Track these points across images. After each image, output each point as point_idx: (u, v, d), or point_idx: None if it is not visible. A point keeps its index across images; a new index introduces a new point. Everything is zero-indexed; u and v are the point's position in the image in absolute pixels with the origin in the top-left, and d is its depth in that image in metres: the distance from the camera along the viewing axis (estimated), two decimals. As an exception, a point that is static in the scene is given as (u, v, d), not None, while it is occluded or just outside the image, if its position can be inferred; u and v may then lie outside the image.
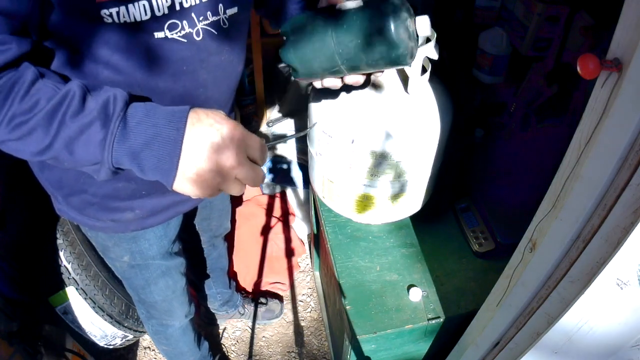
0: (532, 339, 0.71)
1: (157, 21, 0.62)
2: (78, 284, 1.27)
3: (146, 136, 0.56)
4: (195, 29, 0.67)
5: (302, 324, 1.82)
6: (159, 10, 0.61)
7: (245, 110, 2.17)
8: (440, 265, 1.11)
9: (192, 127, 0.56)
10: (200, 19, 0.67)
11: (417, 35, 0.65)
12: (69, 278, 1.26)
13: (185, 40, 0.66)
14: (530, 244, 0.68)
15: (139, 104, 0.58)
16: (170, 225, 0.99)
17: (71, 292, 1.27)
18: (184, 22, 0.65)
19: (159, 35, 0.63)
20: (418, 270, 1.10)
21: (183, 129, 0.56)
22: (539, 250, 0.65)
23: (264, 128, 2.18)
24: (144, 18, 0.60)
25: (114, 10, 0.57)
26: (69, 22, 0.58)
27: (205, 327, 1.77)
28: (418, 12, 0.64)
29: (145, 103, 0.59)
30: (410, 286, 1.06)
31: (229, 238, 1.73)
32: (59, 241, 1.26)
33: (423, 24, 0.65)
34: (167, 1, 0.62)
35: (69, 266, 1.26)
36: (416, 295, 1.04)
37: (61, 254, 1.25)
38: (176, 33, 0.65)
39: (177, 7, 0.63)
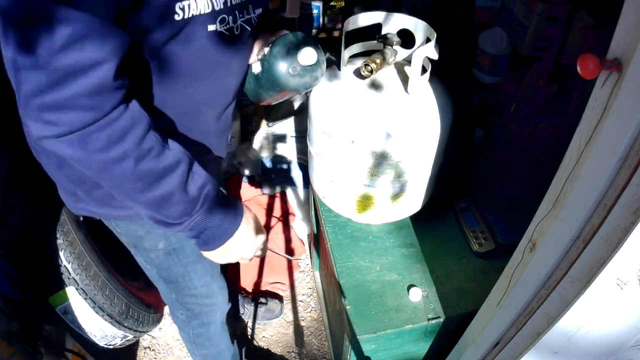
0: (532, 339, 0.71)
1: (213, 15, 0.70)
2: (78, 284, 1.27)
3: (214, 222, 0.77)
4: (237, 24, 0.75)
5: (302, 324, 1.82)
6: (217, 5, 0.69)
7: (245, 110, 2.16)
8: (440, 265, 1.11)
9: (245, 226, 0.82)
10: (240, 15, 0.76)
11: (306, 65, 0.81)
12: (69, 278, 1.26)
13: (228, 34, 0.75)
14: (530, 244, 0.68)
15: (219, 193, 0.78)
16: None
17: (71, 292, 1.27)
18: (230, 17, 0.73)
19: (211, 27, 0.71)
20: (418, 270, 1.10)
21: (238, 225, 0.81)
22: (539, 250, 0.65)
23: (263, 128, 2.17)
24: (206, 11, 0.68)
25: (185, 4, 0.65)
26: (146, 16, 0.63)
27: (205, 327, 1.77)
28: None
29: (222, 193, 0.79)
30: (410, 286, 1.06)
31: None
32: (59, 241, 1.26)
33: (306, 57, 0.79)
34: None
35: (69, 266, 1.26)
36: (416, 295, 1.04)
37: (61, 254, 1.25)
38: (223, 26, 0.73)
39: (228, 3, 0.72)
